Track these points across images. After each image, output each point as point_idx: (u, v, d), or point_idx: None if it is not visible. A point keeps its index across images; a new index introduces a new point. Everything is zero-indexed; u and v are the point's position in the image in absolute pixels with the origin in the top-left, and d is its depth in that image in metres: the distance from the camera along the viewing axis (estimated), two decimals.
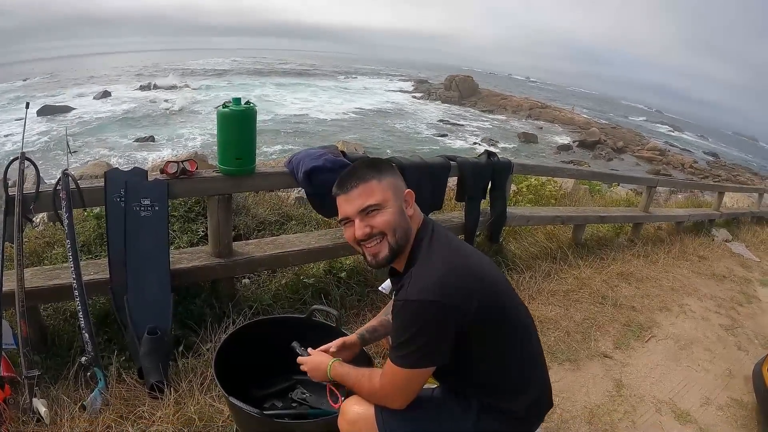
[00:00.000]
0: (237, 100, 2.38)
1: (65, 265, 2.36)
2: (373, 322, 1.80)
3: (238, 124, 2.39)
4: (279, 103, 35.51)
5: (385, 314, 1.80)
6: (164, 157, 16.81)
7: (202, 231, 3.16)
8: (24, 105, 2.52)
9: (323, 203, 2.74)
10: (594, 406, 2.54)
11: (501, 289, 1.42)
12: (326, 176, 2.64)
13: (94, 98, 36.40)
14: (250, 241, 3.02)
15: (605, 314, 3.53)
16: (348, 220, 1.42)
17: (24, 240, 2.08)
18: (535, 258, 4.13)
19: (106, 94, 37.23)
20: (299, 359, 1.63)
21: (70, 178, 2.08)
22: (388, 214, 1.38)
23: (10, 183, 2.12)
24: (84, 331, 2.00)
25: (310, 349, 1.65)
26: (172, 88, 41.53)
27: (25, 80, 45.43)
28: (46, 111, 29.41)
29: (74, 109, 31.63)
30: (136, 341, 2.13)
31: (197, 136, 22.97)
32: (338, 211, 1.45)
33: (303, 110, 32.57)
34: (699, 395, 2.83)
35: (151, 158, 17.75)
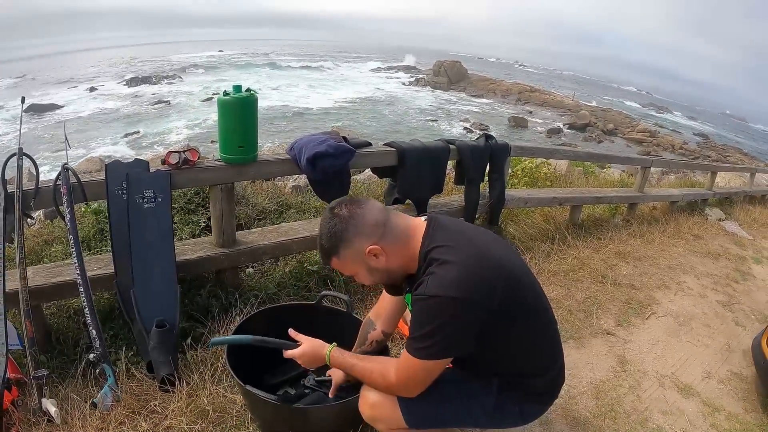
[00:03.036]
0: (237, 88, 2.35)
1: (67, 262, 2.34)
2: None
3: (240, 112, 2.36)
4: (263, 92, 35.20)
5: (358, 346, 1.79)
6: (155, 151, 16.67)
7: (204, 222, 3.14)
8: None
9: (327, 189, 2.74)
10: (599, 381, 2.58)
11: (522, 279, 1.41)
12: (329, 161, 2.63)
13: (81, 94, 36.08)
14: (253, 230, 3.00)
15: (606, 293, 3.57)
16: None
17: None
18: (533, 239, 4.16)
19: (92, 90, 36.96)
20: (287, 353, 1.58)
21: (70, 172, 2.05)
22: (362, 278, 1.45)
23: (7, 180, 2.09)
24: (91, 328, 1.99)
25: (295, 334, 1.61)
26: (157, 81, 41.14)
27: (9, 78, 44.86)
28: (31, 109, 29.21)
29: (60, 106, 31.37)
30: (145, 335, 2.12)
31: (183, 129, 22.79)
32: None
33: (285, 102, 32.21)
34: (700, 369, 2.87)
35: (145, 155, 17.69)
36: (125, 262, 2.19)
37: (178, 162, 2.33)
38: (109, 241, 2.35)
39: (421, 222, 1.44)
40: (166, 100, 31.67)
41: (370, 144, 3.06)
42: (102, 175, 2.19)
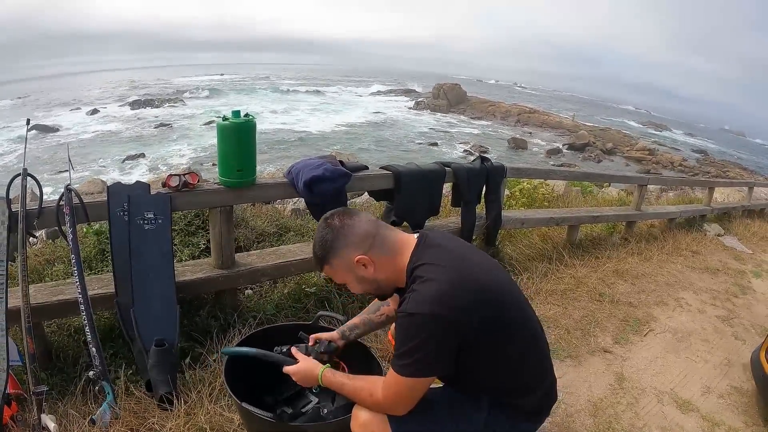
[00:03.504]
0: (236, 113, 2.41)
1: (68, 281, 2.39)
2: (354, 320, 1.86)
3: (238, 137, 2.42)
4: (262, 116, 35.40)
5: (367, 313, 1.86)
6: (157, 173, 16.76)
7: (203, 244, 3.19)
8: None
9: (323, 211, 2.78)
10: (597, 399, 2.58)
11: (506, 299, 1.43)
12: (326, 185, 2.68)
13: (83, 116, 36.72)
14: (252, 252, 3.05)
15: (603, 311, 3.58)
16: None
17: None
18: (531, 259, 4.18)
19: (94, 112, 37.49)
20: (286, 369, 1.62)
21: (72, 193, 2.10)
22: (352, 287, 1.51)
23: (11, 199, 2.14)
24: (91, 346, 2.01)
25: (296, 352, 1.67)
26: (159, 105, 41.70)
27: (11, 99, 45.47)
28: (34, 129, 29.72)
29: (63, 128, 31.85)
30: (144, 354, 2.15)
31: (186, 152, 22.92)
32: None
33: (286, 124, 32.45)
34: (699, 385, 2.87)
35: (147, 177, 17.77)
36: (126, 282, 2.23)
37: (179, 185, 2.38)
38: (110, 261, 2.39)
39: (411, 238, 1.48)
40: (168, 123, 31.93)
41: (366, 168, 3.11)
42: (104, 197, 2.25)
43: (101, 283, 2.37)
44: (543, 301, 3.54)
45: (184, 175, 2.42)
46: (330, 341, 1.77)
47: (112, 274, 2.28)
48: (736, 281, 4.80)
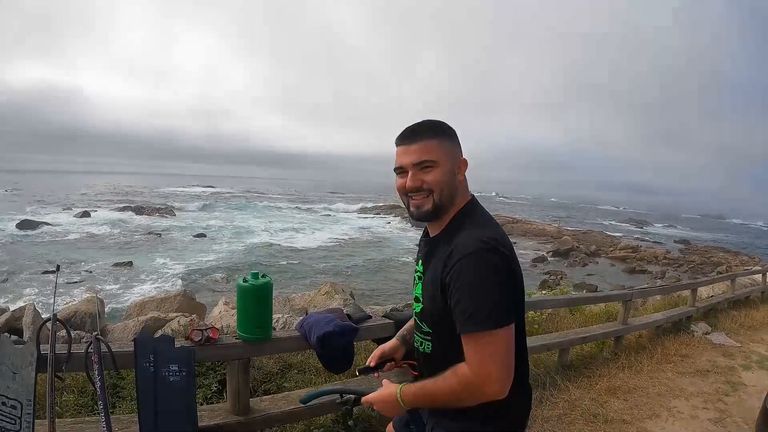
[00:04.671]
0: (255, 275, 2.72)
1: (87, 418, 2.59)
2: (407, 325, 1.83)
3: (257, 297, 2.71)
4: (251, 231, 35.95)
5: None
6: (147, 291, 16.56)
7: (215, 386, 3.37)
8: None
9: (332, 362, 3.06)
10: None
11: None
12: (337, 340, 3.00)
13: (73, 217, 37.67)
14: (264, 397, 3.23)
15: None
16: (402, 170, 1.52)
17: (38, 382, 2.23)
18: None
19: (85, 214, 38.51)
20: (364, 399, 1.57)
21: (101, 342, 2.29)
22: (439, 173, 1.47)
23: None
24: None
25: (385, 381, 1.59)
26: (150, 213, 42.65)
27: (5, 190, 45.84)
28: (25, 225, 30.98)
29: (53, 225, 32.58)
30: None
31: (175, 266, 22.53)
32: (396, 161, 1.54)
33: (274, 240, 32.61)
34: None
35: (137, 290, 17.69)
36: (151, 430, 2.40)
37: (201, 339, 2.62)
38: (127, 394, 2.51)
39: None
40: (157, 232, 32.02)
41: (370, 317, 3.44)
42: (131, 347, 2.44)
43: (121, 425, 2.52)
44: (540, 430, 3.69)
45: (206, 329, 2.65)
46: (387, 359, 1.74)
47: (136, 414, 2.44)
48: (727, 379, 4.94)
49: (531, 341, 4.93)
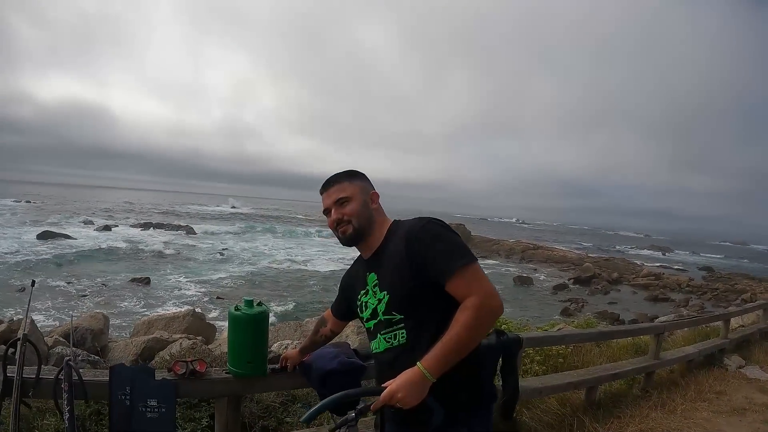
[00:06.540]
0: (249, 302, 2.39)
1: None
2: (305, 342, 2.44)
3: (250, 328, 2.38)
4: (268, 255, 34.90)
5: (312, 335, 2.42)
6: (162, 312, 16.27)
7: (206, 421, 3.14)
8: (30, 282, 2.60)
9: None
10: None
11: None
12: (340, 379, 2.75)
13: (95, 230, 38.57)
14: None
15: None
16: (327, 211, 1.92)
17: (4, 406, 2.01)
18: (550, 427, 4.09)
19: (106, 228, 39.44)
20: (387, 392, 1.61)
21: (72, 369, 2.06)
22: (355, 204, 1.87)
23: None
24: None
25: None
26: (172, 230, 43.19)
27: (27, 201, 46.66)
28: (45, 236, 31.45)
29: (73, 238, 32.93)
30: None
31: (192, 286, 21.97)
32: (322, 205, 1.94)
33: (293, 263, 31.90)
34: None
35: (151, 307, 17.31)
36: None
37: (185, 372, 2.34)
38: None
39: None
40: (177, 250, 31.87)
41: None
42: (106, 377, 2.19)
43: None
44: None
45: (191, 362, 2.37)
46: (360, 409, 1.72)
47: None
48: (765, 418, 4.66)
49: (556, 378, 4.65)
